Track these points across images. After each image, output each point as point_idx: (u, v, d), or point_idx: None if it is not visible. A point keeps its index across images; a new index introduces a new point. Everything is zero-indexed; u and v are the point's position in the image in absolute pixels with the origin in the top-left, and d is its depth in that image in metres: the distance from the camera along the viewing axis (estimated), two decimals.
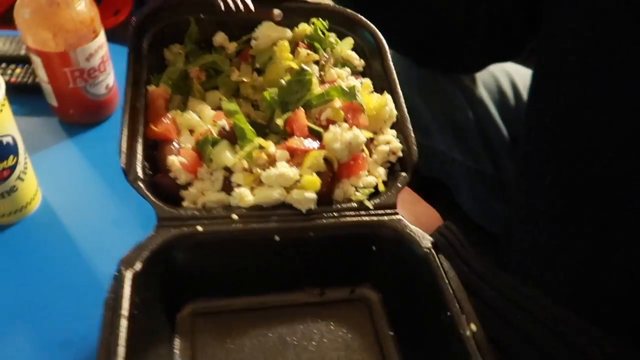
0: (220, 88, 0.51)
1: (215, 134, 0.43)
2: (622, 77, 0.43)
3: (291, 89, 0.46)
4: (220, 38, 0.53)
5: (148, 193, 0.40)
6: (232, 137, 0.43)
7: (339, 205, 0.42)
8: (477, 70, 0.71)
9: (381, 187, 0.44)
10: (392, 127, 0.48)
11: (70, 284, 0.53)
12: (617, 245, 0.45)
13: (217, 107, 0.48)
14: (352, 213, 0.42)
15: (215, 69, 0.52)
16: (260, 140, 0.42)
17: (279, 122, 0.44)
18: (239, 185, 0.41)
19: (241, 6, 0.51)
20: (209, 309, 0.41)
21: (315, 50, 0.52)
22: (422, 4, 0.60)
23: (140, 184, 0.40)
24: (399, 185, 0.44)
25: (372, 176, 0.45)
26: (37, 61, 0.61)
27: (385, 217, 0.42)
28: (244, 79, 0.52)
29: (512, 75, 0.74)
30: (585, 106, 0.46)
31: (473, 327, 0.35)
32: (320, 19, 0.53)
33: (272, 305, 0.42)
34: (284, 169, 0.41)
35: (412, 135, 0.47)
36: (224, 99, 0.49)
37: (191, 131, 0.46)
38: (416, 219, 0.48)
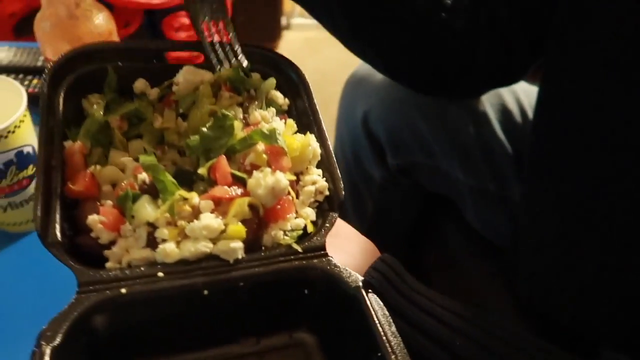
0: (144, 136, 0.50)
1: (137, 188, 0.42)
2: (636, 96, 0.43)
3: (213, 135, 0.46)
4: (141, 84, 0.52)
5: (66, 257, 0.38)
6: (154, 191, 0.42)
7: (267, 252, 0.42)
8: (478, 95, 0.70)
9: (310, 228, 0.45)
10: (317, 166, 0.48)
11: None
12: (626, 261, 0.46)
13: None
14: (282, 258, 0.42)
15: (137, 116, 0.51)
16: (182, 192, 0.42)
17: (202, 171, 0.44)
18: (163, 241, 0.41)
19: (233, 61, 0.51)
20: None
21: (239, 92, 0.53)
22: (416, 26, 0.57)
23: (57, 249, 0.39)
24: (327, 225, 0.45)
25: (301, 218, 0.45)
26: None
27: (315, 260, 0.42)
28: (168, 126, 0.51)
29: (517, 93, 0.73)
30: (594, 124, 0.46)
31: None
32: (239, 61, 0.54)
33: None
34: (208, 220, 0.41)
35: (338, 172, 0.47)
36: (147, 149, 0.48)
37: (114, 185, 0.45)
38: (351, 255, 0.49)
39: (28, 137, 0.53)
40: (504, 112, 0.71)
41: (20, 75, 0.72)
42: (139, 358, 0.40)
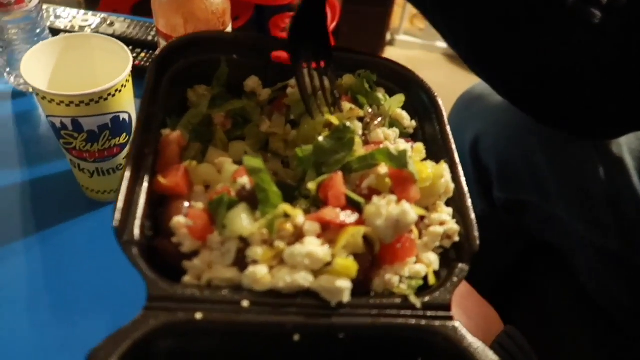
0: (246, 139, 0.44)
1: (233, 194, 0.35)
2: None
3: (329, 148, 0.39)
4: (252, 83, 0.46)
5: (140, 261, 0.32)
6: (253, 200, 0.35)
7: (378, 300, 0.33)
8: (615, 137, 0.59)
9: (432, 280, 0.35)
10: (447, 204, 0.39)
11: None
12: None
13: (241, 161, 0.41)
14: (395, 311, 0.33)
15: (243, 116, 0.45)
16: (286, 207, 0.34)
17: (311, 186, 0.37)
18: (254, 262, 0.33)
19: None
20: None
21: (360, 106, 0.45)
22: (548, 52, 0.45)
23: (134, 249, 0.32)
24: (455, 279, 0.35)
25: (421, 264, 0.36)
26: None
27: (437, 322, 0.32)
28: (275, 131, 0.44)
29: None
30: None
31: None
32: (368, 71, 0.47)
33: None
34: (313, 246, 0.32)
35: (473, 215, 0.38)
36: (249, 153, 0.42)
37: (207, 187, 0.38)
38: (469, 318, 0.39)
39: (127, 104, 0.50)
40: None
41: (130, 47, 0.71)
42: None
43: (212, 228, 0.34)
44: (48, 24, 0.72)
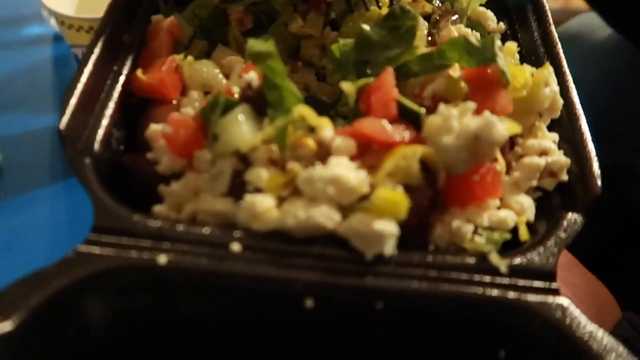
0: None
1: (236, 97, 0.25)
2: None
3: (378, 40, 0.27)
4: None
5: (93, 179, 0.22)
6: (260, 103, 0.24)
7: (440, 257, 0.21)
8: None
9: (524, 234, 0.23)
10: (550, 129, 0.27)
11: None
12: None
13: None
14: (466, 276, 0.21)
15: (268, 13, 0.34)
16: (306, 112, 0.23)
17: (349, 89, 0.25)
18: (256, 190, 0.22)
19: None
20: None
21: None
22: None
23: (86, 160, 0.22)
24: (563, 235, 0.23)
25: (509, 210, 0.24)
26: None
27: (533, 296, 0.21)
28: (310, 32, 0.33)
29: None
30: None
31: None
32: None
33: None
34: (342, 169, 0.21)
35: (590, 146, 0.25)
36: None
37: (206, 94, 0.28)
38: (575, 297, 0.28)
39: None
40: None
41: None
42: None
43: (203, 143, 0.24)
44: None
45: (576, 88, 0.57)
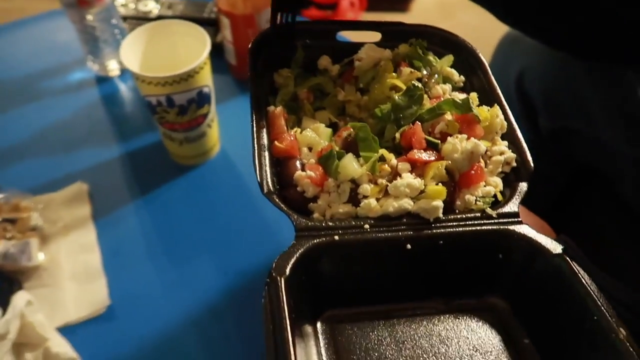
0: (327, 108, 0.54)
1: (336, 149, 0.45)
2: None
3: (404, 104, 0.48)
4: (324, 61, 0.55)
5: (282, 205, 0.42)
6: (354, 150, 0.44)
7: (464, 215, 0.43)
8: None
9: (499, 197, 0.45)
10: (502, 139, 0.49)
11: (243, 224, 0.62)
12: None
13: (329, 125, 0.50)
14: (477, 222, 0.43)
15: (321, 90, 0.55)
16: (383, 151, 0.44)
17: (396, 135, 0.46)
18: (365, 197, 0.43)
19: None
20: (345, 317, 0.42)
21: (417, 69, 0.54)
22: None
23: (274, 197, 0.42)
24: (518, 195, 0.45)
25: (490, 186, 0.46)
26: (225, 22, 0.70)
27: (511, 226, 0.42)
28: (350, 98, 0.54)
29: None
30: None
31: (623, 330, 0.35)
32: (419, 39, 0.55)
33: (404, 314, 0.43)
34: (410, 179, 0.42)
35: (524, 144, 0.47)
36: (332, 119, 0.51)
37: (309, 148, 0.48)
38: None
39: (208, 79, 0.59)
40: None
41: None
42: (342, 304, 0.43)
43: (326, 176, 0.44)
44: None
45: (528, 73, 0.74)
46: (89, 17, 0.71)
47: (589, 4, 0.51)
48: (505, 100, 0.50)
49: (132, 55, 0.60)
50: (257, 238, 0.60)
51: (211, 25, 0.81)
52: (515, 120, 0.49)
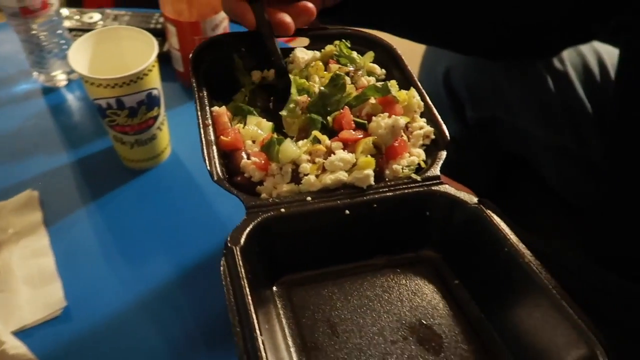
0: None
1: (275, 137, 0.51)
2: None
3: (329, 92, 0.54)
4: (256, 75, 0.61)
5: (232, 189, 0.47)
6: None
7: (393, 181, 0.49)
8: (554, 55, 0.71)
9: (422, 164, 0.52)
10: (421, 117, 0.56)
11: (195, 221, 0.65)
12: None
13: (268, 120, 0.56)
14: (405, 186, 0.49)
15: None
16: (317, 134, 0.50)
17: (329, 119, 0.52)
18: (305, 175, 0.48)
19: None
20: (299, 280, 0.47)
21: (343, 65, 0.61)
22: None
23: (224, 184, 0.47)
24: (438, 160, 0.51)
25: (413, 156, 0.52)
26: (171, 30, 0.73)
27: (434, 187, 0.49)
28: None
29: (600, 53, 0.73)
30: None
31: (528, 255, 0.42)
32: (342, 40, 0.63)
33: (351, 272, 0.48)
34: (343, 154, 0.48)
35: (440, 119, 0.54)
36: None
37: (253, 141, 0.53)
38: None
39: (156, 82, 0.62)
40: (586, 72, 0.72)
41: None
42: (293, 270, 0.48)
43: (269, 162, 0.50)
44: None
45: (453, 71, 0.84)
46: (34, 27, 0.73)
47: (480, 18, 0.61)
48: (435, 96, 0.58)
49: (80, 59, 0.62)
50: (210, 233, 0.63)
51: (157, 35, 0.83)
52: (445, 114, 0.56)
